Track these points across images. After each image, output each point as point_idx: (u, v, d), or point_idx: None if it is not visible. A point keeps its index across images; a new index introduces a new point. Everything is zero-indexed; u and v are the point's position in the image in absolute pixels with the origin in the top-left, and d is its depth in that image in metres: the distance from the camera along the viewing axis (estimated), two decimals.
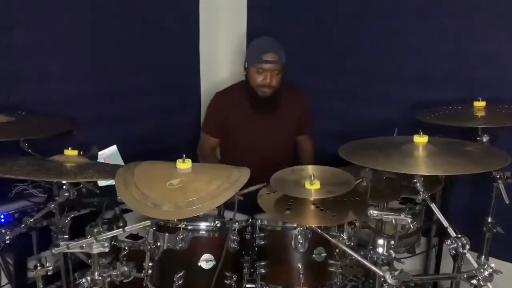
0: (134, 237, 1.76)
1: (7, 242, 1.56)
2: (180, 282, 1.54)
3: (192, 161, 1.52)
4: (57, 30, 2.32)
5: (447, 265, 2.31)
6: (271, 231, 1.69)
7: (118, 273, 1.49)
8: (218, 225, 1.59)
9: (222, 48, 3.20)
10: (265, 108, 2.41)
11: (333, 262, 1.66)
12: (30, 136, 1.84)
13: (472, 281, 1.33)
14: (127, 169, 1.56)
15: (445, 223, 1.44)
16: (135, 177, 1.50)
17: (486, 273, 1.30)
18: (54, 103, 2.34)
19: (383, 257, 1.45)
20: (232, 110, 2.45)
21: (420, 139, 1.59)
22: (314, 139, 2.67)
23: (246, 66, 2.39)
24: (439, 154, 1.55)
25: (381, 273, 1.33)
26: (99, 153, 2.19)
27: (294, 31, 2.91)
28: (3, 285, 2.03)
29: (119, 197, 1.53)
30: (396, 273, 1.31)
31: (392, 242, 1.48)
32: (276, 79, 2.34)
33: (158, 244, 1.57)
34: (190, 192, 1.41)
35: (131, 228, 1.51)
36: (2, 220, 1.95)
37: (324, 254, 1.64)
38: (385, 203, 1.97)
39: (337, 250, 1.66)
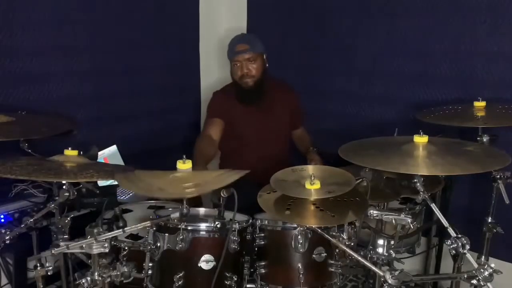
0: (134, 237, 1.76)
1: (7, 242, 1.56)
2: (180, 282, 1.54)
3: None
4: (57, 30, 2.32)
5: (447, 265, 2.31)
6: (271, 231, 1.69)
7: (118, 273, 1.49)
8: (218, 225, 1.59)
9: (222, 48, 3.19)
10: (252, 100, 2.43)
11: (333, 262, 1.66)
12: (30, 136, 1.84)
13: (472, 281, 1.33)
14: (126, 169, 1.57)
15: (445, 223, 1.44)
16: (135, 174, 1.51)
17: (486, 273, 1.30)
18: (54, 103, 2.34)
19: (383, 257, 1.45)
20: (228, 108, 2.47)
21: (420, 139, 1.59)
22: (313, 139, 2.67)
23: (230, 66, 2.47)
24: (439, 154, 1.54)
25: (381, 273, 1.33)
26: (99, 153, 2.19)
27: (294, 31, 2.91)
28: (3, 285, 2.03)
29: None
30: (396, 273, 1.31)
31: (392, 242, 1.48)
32: (253, 67, 2.39)
33: (158, 244, 1.57)
34: (194, 178, 1.43)
35: (131, 228, 1.51)
36: (2, 220, 1.95)
37: (324, 254, 1.64)
38: (385, 203, 1.97)
39: (337, 250, 1.66)
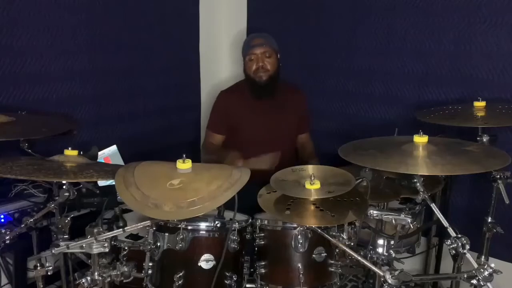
0: (134, 237, 1.76)
1: (7, 242, 1.55)
2: (180, 282, 1.54)
3: (192, 161, 1.52)
4: (57, 30, 2.32)
5: (447, 265, 2.31)
6: (271, 231, 1.69)
7: (118, 273, 1.49)
8: (218, 225, 1.59)
9: (222, 48, 3.20)
10: (264, 95, 2.45)
11: (333, 262, 1.66)
12: (30, 136, 1.84)
13: (472, 281, 1.33)
14: (127, 169, 1.56)
15: (445, 223, 1.44)
16: (135, 177, 1.50)
17: (486, 273, 1.30)
18: (54, 103, 2.34)
19: (383, 257, 1.45)
20: (237, 106, 2.49)
21: (420, 139, 1.59)
22: (313, 139, 2.67)
23: (243, 62, 2.49)
24: (439, 154, 1.54)
25: (381, 273, 1.33)
26: (99, 153, 2.19)
27: (294, 31, 2.91)
28: (3, 285, 2.03)
29: (119, 197, 1.52)
30: (396, 273, 1.31)
31: (392, 242, 1.48)
32: (268, 62, 2.41)
33: (158, 244, 1.57)
34: (190, 192, 1.40)
35: (131, 228, 1.51)
36: (2, 220, 1.95)
37: (324, 254, 1.64)
38: (385, 203, 1.97)
39: (337, 250, 1.66)
